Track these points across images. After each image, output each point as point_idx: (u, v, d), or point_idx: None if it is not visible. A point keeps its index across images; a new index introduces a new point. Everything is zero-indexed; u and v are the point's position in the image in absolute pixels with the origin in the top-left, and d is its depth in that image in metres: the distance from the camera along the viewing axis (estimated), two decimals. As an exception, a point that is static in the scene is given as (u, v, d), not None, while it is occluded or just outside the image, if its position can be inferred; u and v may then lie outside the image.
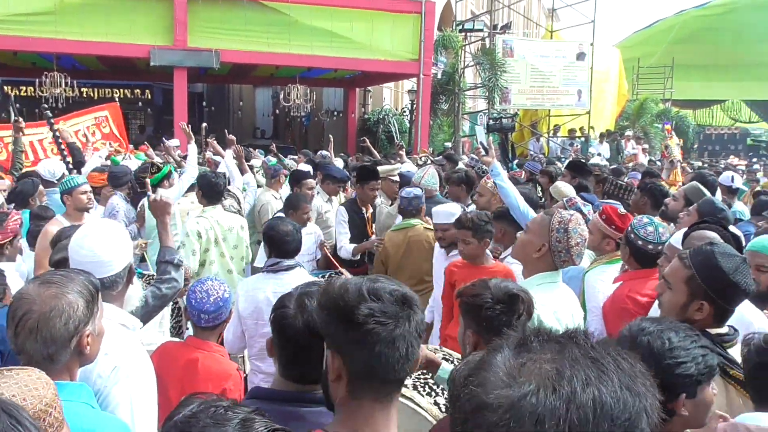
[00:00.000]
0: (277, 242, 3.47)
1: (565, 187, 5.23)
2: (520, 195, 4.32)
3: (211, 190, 4.75)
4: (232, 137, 7.72)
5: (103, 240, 2.08)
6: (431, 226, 4.58)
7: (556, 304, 2.54)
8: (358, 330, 1.29)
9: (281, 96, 15.64)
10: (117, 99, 13.19)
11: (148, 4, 12.86)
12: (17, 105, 16.78)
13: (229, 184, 5.70)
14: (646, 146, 17.72)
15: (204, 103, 20.41)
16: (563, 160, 14.43)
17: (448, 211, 4.25)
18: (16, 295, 1.70)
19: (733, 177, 5.94)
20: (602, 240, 3.52)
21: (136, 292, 2.24)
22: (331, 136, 10.99)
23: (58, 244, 2.89)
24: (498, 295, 2.09)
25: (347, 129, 19.51)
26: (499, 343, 0.86)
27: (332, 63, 14.65)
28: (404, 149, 10.82)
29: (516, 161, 10.03)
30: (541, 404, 0.74)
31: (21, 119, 6.99)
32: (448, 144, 16.40)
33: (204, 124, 10.71)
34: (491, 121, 14.71)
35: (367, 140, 11.37)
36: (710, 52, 31.68)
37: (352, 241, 5.46)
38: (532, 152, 16.15)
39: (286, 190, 6.51)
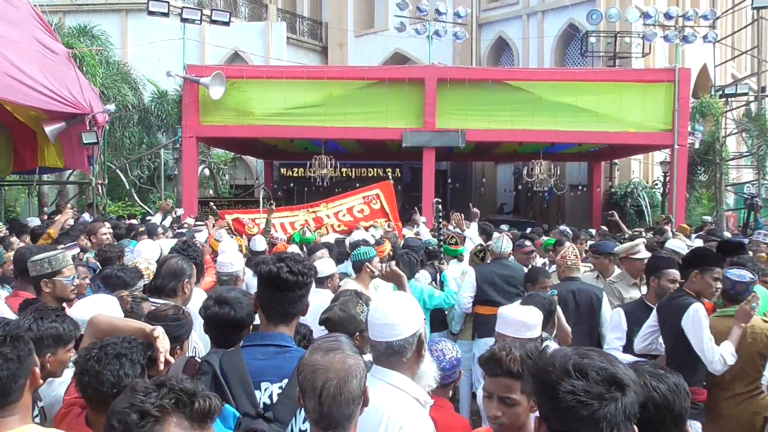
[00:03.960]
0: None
1: None
2: None
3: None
4: (476, 210, 7.99)
5: (394, 306, 2.25)
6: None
7: None
8: (558, 405, 1.28)
9: (524, 172, 15.74)
10: (390, 178, 13.77)
11: (401, 91, 14.07)
12: (291, 184, 19.30)
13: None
14: None
15: (449, 180, 21.35)
16: None
17: (522, 320, 3.00)
18: (307, 368, 1.80)
19: None
20: None
21: (430, 369, 2.36)
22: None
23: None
24: None
25: (591, 203, 18.84)
26: None
27: (577, 137, 14.44)
28: (671, 222, 10.10)
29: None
30: None
31: (273, 203, 8.40)
32: (707, 218, 14.92)
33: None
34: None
35: (616, 214, 10.87)
36: None
37: None
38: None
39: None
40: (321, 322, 3.05)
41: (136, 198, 18.03)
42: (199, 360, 2.51)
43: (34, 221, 9.78)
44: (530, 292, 4.20)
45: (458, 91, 14.04)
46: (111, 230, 7.80)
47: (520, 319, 3.01)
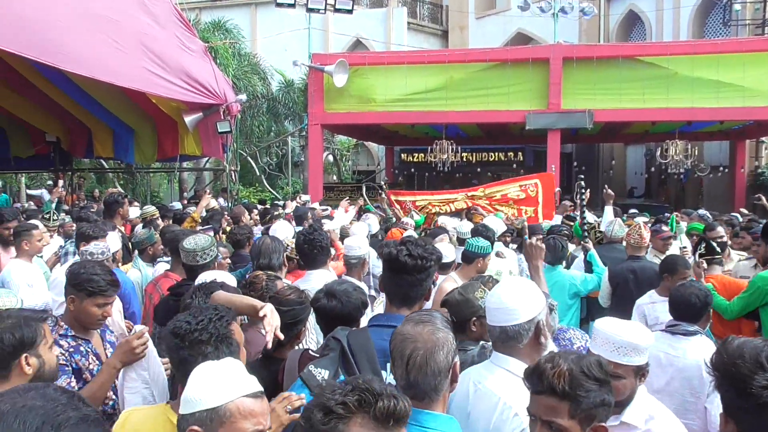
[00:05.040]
0: (674, 304, 3.45)
1: None
2: None
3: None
4: (610, 192, 7.60)
5: (511, 291, 2.21)
6: None
7: None
8: (751, 402, 1.18)
9: (657, 153, 14.81)
10: (549, 165, 13.06)
11: (524, 72, 13.67)
12: (411, 169, 19.44)
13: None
14: None
15: (574, 164, 20.58)
16: None
17: (625, 341, 2.24)
18: (397, 336, 1.87)
19: None
20: None
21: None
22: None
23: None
24: None
25: (734, 185, 17.41)
26: None
27: (719, 114, 13.40)
28: None
29: None
30: None
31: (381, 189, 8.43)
32: None
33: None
34: None
35: (763, 197, 10.00)
36: None
37: None
38: None
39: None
40: (441, 305, 3.07)
41: (266, 184, 18.96)
42: (313, 353, 2.58)
43: (176, 205, 10.54)
44: (682, 282, 3.86)
45: (585, 70, 13.42)
46: (257, 216, 8.34)
47: (623, 339, 2.24)
